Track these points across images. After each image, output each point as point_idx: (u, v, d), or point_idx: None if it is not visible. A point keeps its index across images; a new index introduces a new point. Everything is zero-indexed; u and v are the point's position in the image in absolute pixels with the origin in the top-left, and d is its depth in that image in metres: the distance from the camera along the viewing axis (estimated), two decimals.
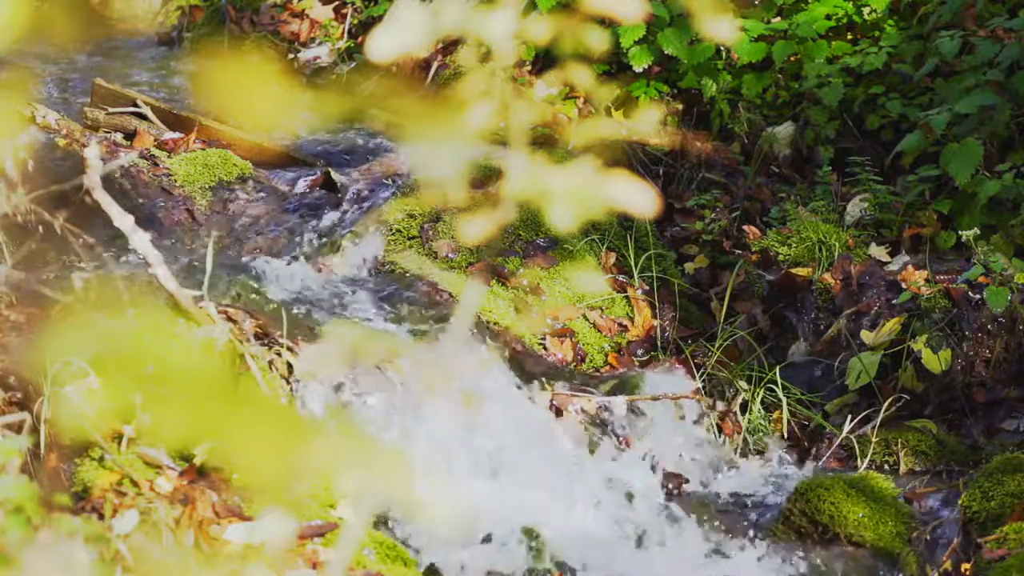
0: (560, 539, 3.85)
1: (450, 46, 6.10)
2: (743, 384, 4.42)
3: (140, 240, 3.72)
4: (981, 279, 4.39)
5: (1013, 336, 4.39)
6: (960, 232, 4.71)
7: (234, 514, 3.46)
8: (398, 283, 4.67)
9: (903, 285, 4.49)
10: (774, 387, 4.38)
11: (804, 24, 5.47)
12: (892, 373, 4.42)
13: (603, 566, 3.87)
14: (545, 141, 5.30)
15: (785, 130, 5.47)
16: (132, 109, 5.48)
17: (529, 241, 4.83)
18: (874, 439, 4.24)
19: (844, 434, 4.27)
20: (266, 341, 3.98)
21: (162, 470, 3.53)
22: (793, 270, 4.71)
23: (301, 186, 5.21)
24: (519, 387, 4.28)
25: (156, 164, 5.15)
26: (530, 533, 3.83)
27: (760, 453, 4.35)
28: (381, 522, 3.80)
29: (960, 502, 3.90)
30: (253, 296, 4.39)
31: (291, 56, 6.68)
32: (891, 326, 4.41)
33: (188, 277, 4.43)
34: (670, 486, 4.20)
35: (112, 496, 3.41)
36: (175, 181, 5.09)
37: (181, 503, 3.43)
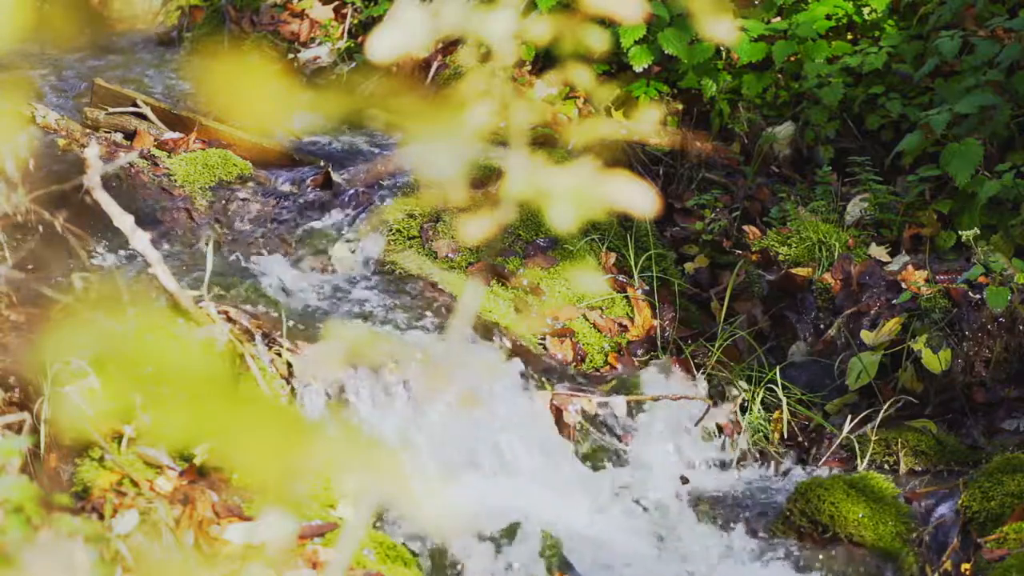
0: (560, 539, 3.85)
1: (450, 46, 6.10)
2: (743, 384, 4.42)
3: (140, 240, 3.72)
4: (981, 279, 4.40)
5: (1013, 336, 4.39)
6: (960, 232, 4.71)
7: (234, 514, 3.46)
8: (398, 283, 4.67)
9: (903, 285, 4.49)
10: (774, 387, 4.38)
11: (804, 24, 5.47)
12: (892, 373, 4.42)
13: (603, 565, 3.87)
14: (545, 141, 5.30)
15: (785, 130, 5.47)
16: (132, 109, 5.47)
17: (529, 241, 4.83)
18: (873, 438, 4.24)
19: (844, 434, 4.27)
20: (266, 341, 3.98)
21: (162, 470, 3.53)
22: (793, 270, 4.71)
23: (301, 186, 5.21)
24: (519, 387, 4.27)
25: (156, 164, 5.15)
26: (530, 533, 3.83)
27: (760, 453, 4.35)
28: (381, 522, 3.80)
29: (960, 502, 3.90)
30: (253, 296, 4.39)
31: (291, 56, 6.68)
32: (891, 326, 4.41)
33: (188, 277, 4.43)
34: (670, 486, 4.20)
35: (112, 496, 3.41)
36: (175, 181, 5.09)
37: (181, 503, 3.43)
